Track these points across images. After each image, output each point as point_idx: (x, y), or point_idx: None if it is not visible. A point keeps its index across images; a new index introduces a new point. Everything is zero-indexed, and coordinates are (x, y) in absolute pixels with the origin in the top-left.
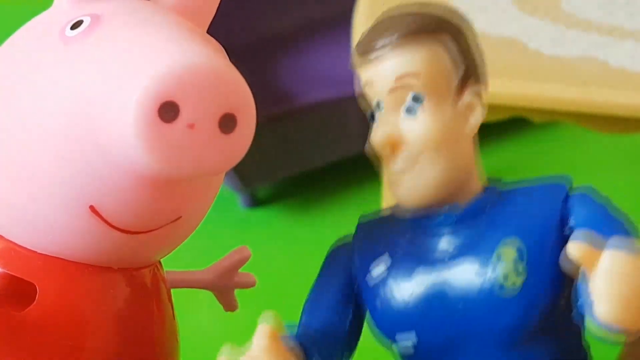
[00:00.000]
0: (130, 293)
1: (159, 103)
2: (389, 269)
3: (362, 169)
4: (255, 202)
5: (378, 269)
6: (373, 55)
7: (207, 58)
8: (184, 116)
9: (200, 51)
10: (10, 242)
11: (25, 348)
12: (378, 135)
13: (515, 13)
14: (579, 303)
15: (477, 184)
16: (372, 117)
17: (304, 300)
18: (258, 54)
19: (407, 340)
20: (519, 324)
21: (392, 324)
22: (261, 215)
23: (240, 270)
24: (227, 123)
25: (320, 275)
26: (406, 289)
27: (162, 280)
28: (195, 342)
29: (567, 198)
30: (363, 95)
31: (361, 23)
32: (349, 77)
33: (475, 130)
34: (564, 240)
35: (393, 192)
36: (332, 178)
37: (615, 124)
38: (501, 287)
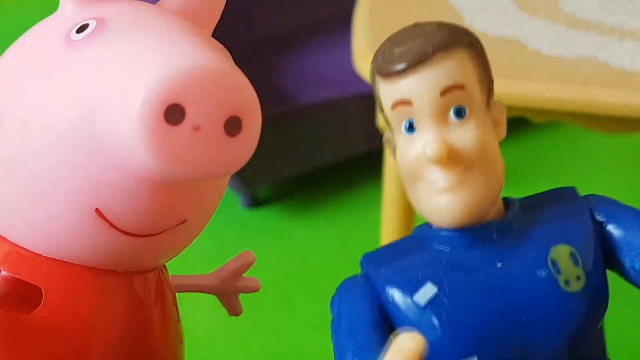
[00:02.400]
0: (136, 296)
1: (164, 105)
2: (438, 296)
3: (362, 169)
4: (255, 202)
5: (423, 297)
6: (403, 70)
7: (213, 60)
8: (190, 118)
9: (205, 54)
10: (16, 245)
11: (31, 350)
12: (431, 146)
13: (515, 13)
14: None
15: (500, 200)
16: (391, 139)
17: (304, 301)
18: (258, 54)
19: None
20: (586, 322)
21: (451, 349)
22: (261, 215)
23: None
24: (233, 126)
25: (343, 314)
26: (464, 310)
27: (167, 284)
28: (195, 343)
29: (584, 199)
30: (385, 115)
31: (361, 23)
32: (349, 77)
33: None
34: (600, 237)
35: (433, 210)
36: (332, 178)
37: (615, 124)
38: (564, 292)
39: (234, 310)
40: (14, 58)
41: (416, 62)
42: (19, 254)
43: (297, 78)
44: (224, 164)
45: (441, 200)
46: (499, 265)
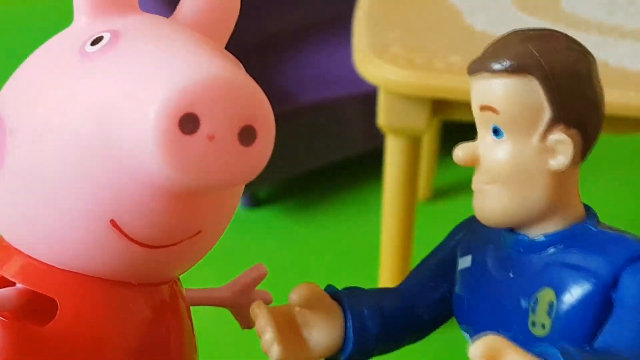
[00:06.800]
0: (150, 309)
1: (179, 115)
2: (467, 270)
3: (362, 169)
4: (255, 202)
5: (461, 265)
6: (473, 75)
7: (227, 70)
8: (204, 128)
9: (219, 64)
10: (31, 258)
11: None
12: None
13: (515, 13)
14: None
15: (558, 221)
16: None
17: None
18: (258, 54)
19: (466, 333)
20: None
21: (458, 314)
22: (261, 215)
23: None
24: (247, 135)
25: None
26: (471, 293)
27: (181, 297)
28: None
29: (624, 265)
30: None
31: (361, 23)
32: (349, 77)
33: (560, 170)
34: (607, 303)
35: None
36: (332, 178)
37: (615, 124)
38: (528, 331)
39: (246, 323)
40: (28, 71)
41: (474, 71)
42: (33, 266)
43: (297, 78)
44: (239, 173)
45: (474, 194)
46: (510, 275)
